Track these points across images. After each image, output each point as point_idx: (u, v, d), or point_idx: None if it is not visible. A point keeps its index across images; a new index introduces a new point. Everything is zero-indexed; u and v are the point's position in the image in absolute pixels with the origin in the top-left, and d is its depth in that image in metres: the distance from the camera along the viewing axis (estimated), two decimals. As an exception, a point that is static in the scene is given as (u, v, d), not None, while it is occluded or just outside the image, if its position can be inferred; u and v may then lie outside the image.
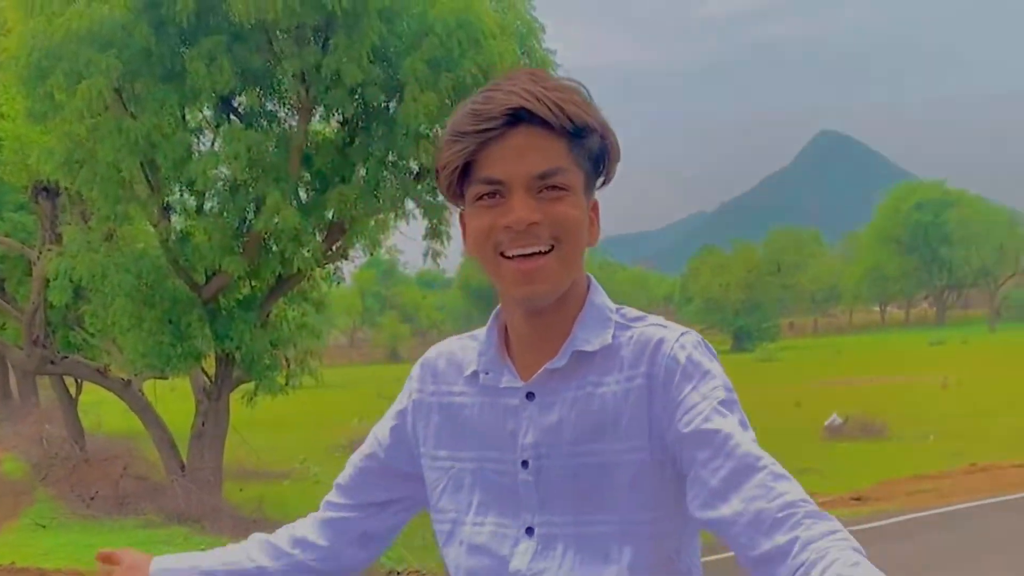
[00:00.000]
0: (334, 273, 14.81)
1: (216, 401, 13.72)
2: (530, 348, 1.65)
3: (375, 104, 12.68)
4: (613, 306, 1.66)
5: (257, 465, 19.69)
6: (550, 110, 1.49)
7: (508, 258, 1.55)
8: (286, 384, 14.39)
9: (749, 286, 62.27)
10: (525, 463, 1.64)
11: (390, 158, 13.00)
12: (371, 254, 14.40)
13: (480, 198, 1.54)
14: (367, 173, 13.01)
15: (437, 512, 1.74)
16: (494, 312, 1.71)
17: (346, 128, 13.18)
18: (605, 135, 1.56)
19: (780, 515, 1.41)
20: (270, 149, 12.62)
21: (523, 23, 12.80)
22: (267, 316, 13.97)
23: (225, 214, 12.93)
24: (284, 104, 13.30)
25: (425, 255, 14.14)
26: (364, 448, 1.83)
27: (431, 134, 12.82)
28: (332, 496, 1.84)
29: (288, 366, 14.68)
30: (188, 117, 13.05)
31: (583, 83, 1.58)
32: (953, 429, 17.01)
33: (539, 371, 1.63)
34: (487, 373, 1.68)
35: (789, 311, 68.72)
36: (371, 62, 11.97)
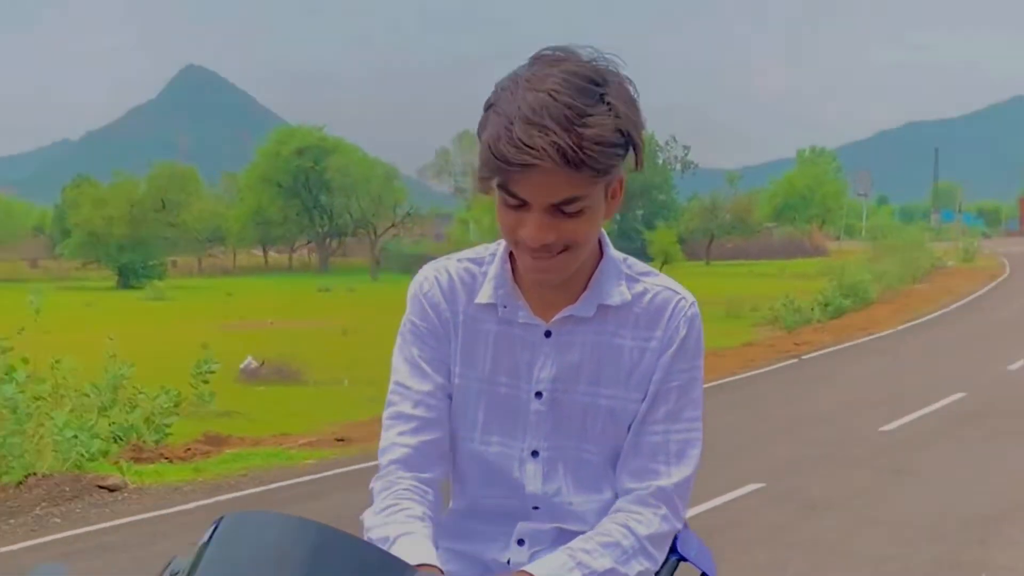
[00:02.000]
0: None
1: None
2: (544, 288, 1.78)
3: None
4: (620, 256, 1.83)
5: None
6: (577, 166, 1.54)
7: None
8: None
9: (133, 221, 60.45)
10: (539, 394, 1.81)
11: None
12: None
13: (505, 199, 1.62)
14: None
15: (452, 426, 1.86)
16: (504, 244, 1.79)
17: None
18: (635, 145, 1.62)
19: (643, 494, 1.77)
20: None
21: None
22: None
23: None
24: None
25: None
26: (414, 381, 1.87)
27: None
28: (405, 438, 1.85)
29: None
30: None
31: (632, 80, 1.63)
32: (364, 375, 17.13)
33: (561, 315, 1.78)
34: (504, 307, 1.81)
35: (174, 249, 66.95)
36: None
